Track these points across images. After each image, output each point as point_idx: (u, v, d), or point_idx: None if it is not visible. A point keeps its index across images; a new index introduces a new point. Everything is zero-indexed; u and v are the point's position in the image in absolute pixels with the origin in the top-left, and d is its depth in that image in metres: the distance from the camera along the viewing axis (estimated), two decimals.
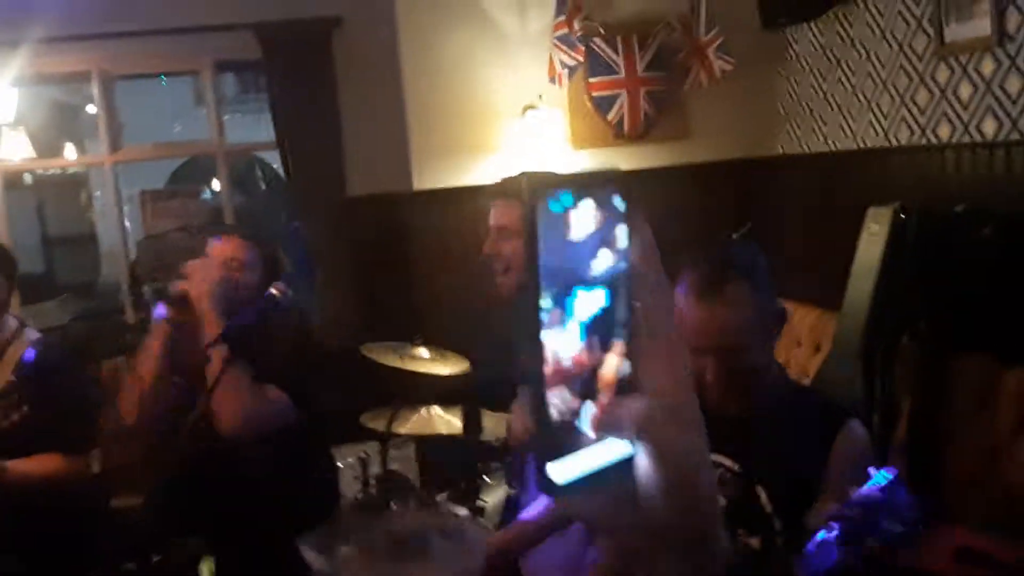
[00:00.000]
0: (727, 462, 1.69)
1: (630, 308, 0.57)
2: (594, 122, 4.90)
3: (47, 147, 8.22)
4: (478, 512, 3.26)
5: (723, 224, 4.50)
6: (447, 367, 3.95)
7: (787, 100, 4.86)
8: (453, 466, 3.58)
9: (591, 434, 0.54)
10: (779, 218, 4.70)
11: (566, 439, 0.53)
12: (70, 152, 10.32)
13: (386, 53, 4.94)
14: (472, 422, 2.82)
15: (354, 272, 4.99)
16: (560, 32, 4.70)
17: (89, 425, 2.95)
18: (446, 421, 3.66)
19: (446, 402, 3.62)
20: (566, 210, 0.54)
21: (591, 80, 4.85)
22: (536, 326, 0.52)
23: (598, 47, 4.81)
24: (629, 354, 0.56)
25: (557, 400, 0.53)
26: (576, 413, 0.54)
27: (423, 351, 4.00)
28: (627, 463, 0.56)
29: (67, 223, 12.38)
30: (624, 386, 0.56)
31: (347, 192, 5.09)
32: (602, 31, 4.80)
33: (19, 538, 2.66)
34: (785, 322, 1.79)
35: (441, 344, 4.00)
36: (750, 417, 1.70)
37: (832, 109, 4.41)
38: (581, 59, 4.76)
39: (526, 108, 4.80)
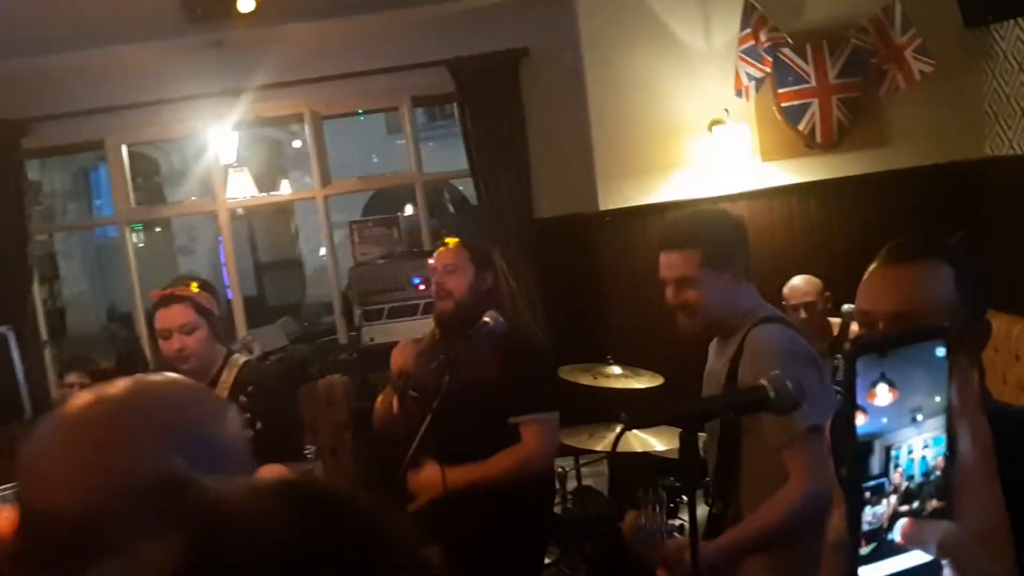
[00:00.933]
0: None
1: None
2: (784, 133, 4.82)
3: (260, 181, 8.97)
4: (677, 530, 3.30)
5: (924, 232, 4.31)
6: (640, 382, 4.03)
7: (994, 100, 4.60)
8: (640, 483, 3.62)
9: (899, 542, 0.62)
10: (987, 223, 4.44)
11: (878, 545, 0.62)
12: (283, 185, 11.18)
13: (572, 78, 5.07)
14: (688, 444, 2.84)
15: (543, 292, 5.14)
16: (746, 45, 4.67)
17: (298, 440, 3.20)
18: (641, 440, 3.74)
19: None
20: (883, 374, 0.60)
21: (780, 91, 4.78)
22: (857, 490, 0.60)
23: (786, 57, 4.74)
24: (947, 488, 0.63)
25: (870, 516, 0.61)
26: (889, 524, 0.62)
27: (615, 368, 4.10)
28: (931, 569, 0.62)
29: (276, 250, 13.42)
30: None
31: (535, 214, 5.25)
32: (790, 40, 4.72)
33: None
34: (988, 338, 1.53)
35: (630, 361, 4.08)
36: None
37: None
38: (768, 70, 4.70)
39: (712, 123, 4.79)
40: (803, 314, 3.98)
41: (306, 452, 3.31)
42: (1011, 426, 1.48)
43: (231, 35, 4.83)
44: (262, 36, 4.94)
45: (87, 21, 4.62)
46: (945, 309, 1.33)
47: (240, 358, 3.01)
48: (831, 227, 4.81)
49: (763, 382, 1.40)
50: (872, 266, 1.44)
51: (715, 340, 2.29)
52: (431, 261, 2.96)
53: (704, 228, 2.18)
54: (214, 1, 4.31)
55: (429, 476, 2.64)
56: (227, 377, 2.90)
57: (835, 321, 4.07)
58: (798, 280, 4.09)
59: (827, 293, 4.09)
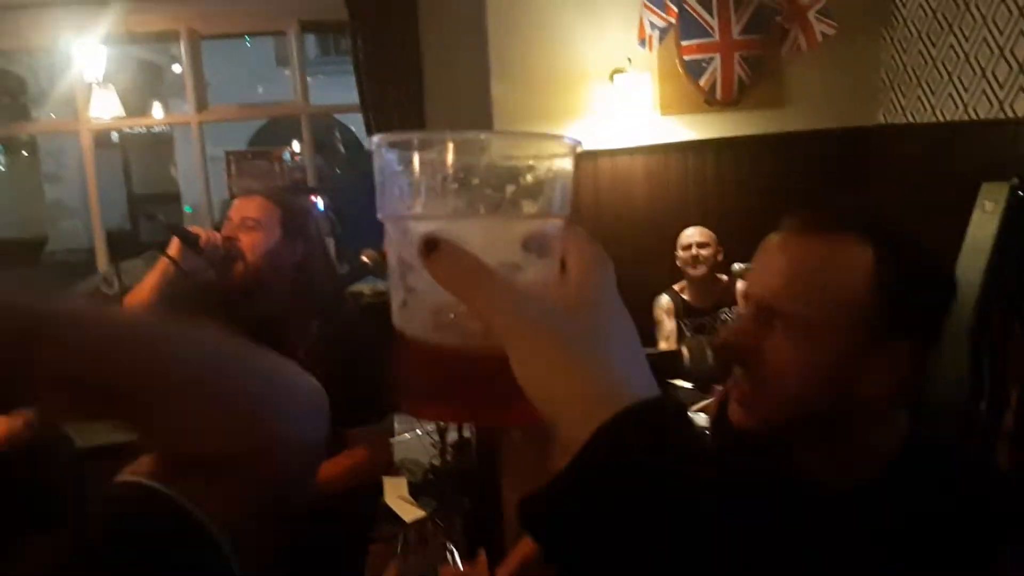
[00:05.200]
0: None
1: None
2: (685, 87, 4.73)
3: (135, 106, 8.38)
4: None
5: (814, 198, 4.32)
6: None
7: (892, 67, 4.62)
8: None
9: None
10: (879, 192, 4.49)
11: None
12: (157, 111, 10.52)
13: (472, 15, 4.84)
14: None
15: None
16: None
17: None
18: None
19: None
20: None
21: (683, 43, 4.68)
22: None
23: (691, 8, 4.63)
24: None
25: None
26: None
27: None
28: None
29: (153, 182, 12.71)
30: None
31: None
32: None
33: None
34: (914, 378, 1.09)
35: None
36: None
37: (942, 77, 4.16)
38: (673, 21, 4.58)
39: (614, 72, 4.65)
40: (697, 256, 4.10)
41: None
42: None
43: None
44: None
45: None
46: (844, 306, 1.01)
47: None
48: (725, 186, 4.78)
49: (681, 346, 1.24)
50: (771, 235, 1.15)
51: None
52: (229, 212, 2.42)
53: None
54: None
55: None
56: None
57: (723, 278, 4.10)
58: (692, 230, 4.17)
59: (719, 247, 4.13)
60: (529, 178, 0.55)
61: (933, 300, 1.09)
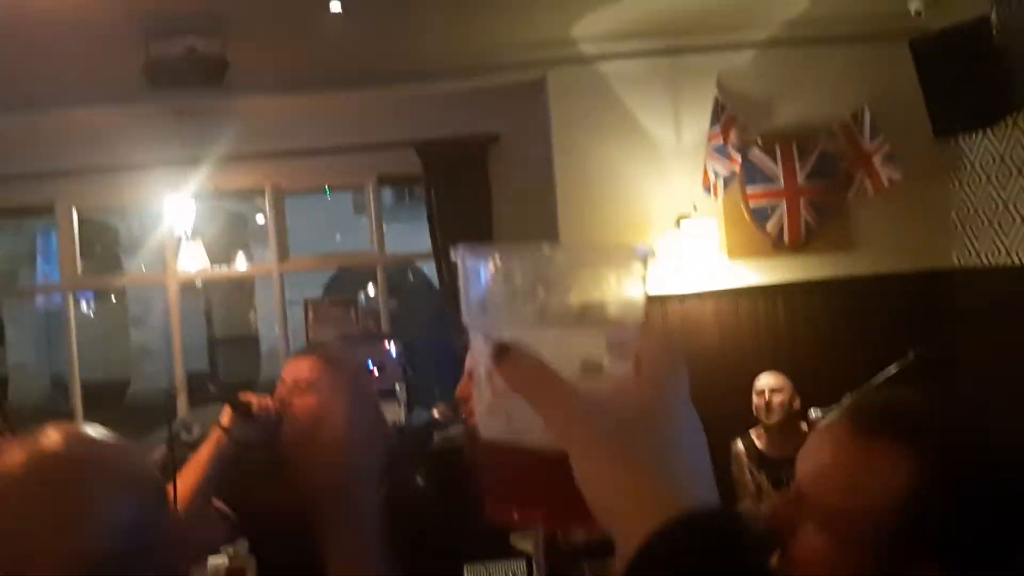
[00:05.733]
0: None
1: None
2: (752, 232, 4.77)
3: (219, 254, 8.77)
4: None
5: (890, 341, 4.22)
6: None
7: (962, 210, 4.59)
8: None
9: None
10: (955, 335, 4.38)
11: None
12: (240, 260, 10.99)
13: (541, 166, 5.01)
14: None
15: None
16: (715, 143, 4.65)
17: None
18: None
19: None
20: None
21: (748, 190, 4.75)
22: None
23: (755, 157, 4.72)
24: None
25: None
26: None
27: None
28: None
29: (232, 325, 13.17)
30: None
31: None
32: (760, 141, 4.71)
33: None
34: None
35: None
36: None
37: (1014, 220, 4.12)
38: (737, 169, 4.68)
39: (680, 218, 4.73)
40: (771, 403, 4.03)
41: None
42: None
43: (193, 104, 4.71)
44: (225, 107, 4.83)
45: (44, 82, 4.48)
46: (871, 514, 0.93)
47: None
48: (797, 329, 4.73)
49: None
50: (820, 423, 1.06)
51: None
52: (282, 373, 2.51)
53: None
54: (176, 69, 4.19)
55: None
56: None
57: (803, 425, 3.99)
58: (765, 375, 4.13)
59: (795, 393, 4.06)
60: (601, 285, 0.58)
61: (978, 523, 0.93)
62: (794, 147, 4.70)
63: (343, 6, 3.97)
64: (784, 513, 1.00)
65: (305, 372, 2.42)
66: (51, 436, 0.95)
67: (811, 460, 1.00)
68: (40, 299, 12.33)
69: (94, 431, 1.00)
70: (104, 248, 15.01)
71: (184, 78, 4.25)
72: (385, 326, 5.57)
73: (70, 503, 0.90)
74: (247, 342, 13.76)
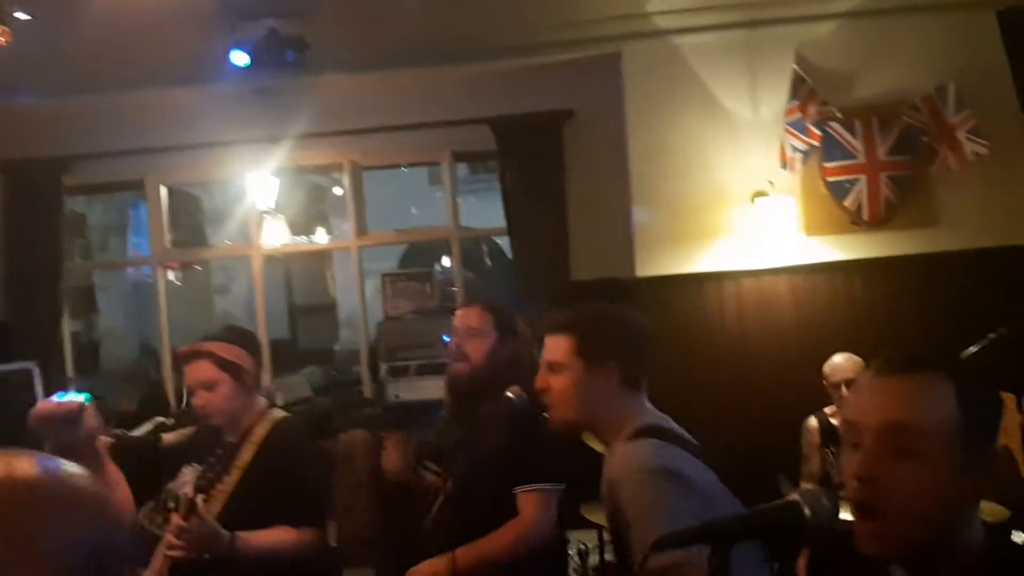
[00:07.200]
0: None
1: None
2: (829, 208, 4.70)
3: (300, 225, 9.00)
4: None
5: (972, 319, 4.13)
6: None
7: None
8: None
9: None
10: None
11: None
12: (319, 232, 11.22)
13: (615, 142, 5.01)
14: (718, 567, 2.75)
15: None
16: (793, 117, 4.59)
17: (323, 500, 3.08)
18: None
19: None
20: None
21: (826, 165, 4.67)
22: None
23: (835, 131, 4.64)
24: None
25: None
26: None
27: None
28: None
29: (312, 293, 13.48)
30: None
31: (571, 276, 5.15)
32: (839, 115, 4.62)
33: None
34: (1002, 469, 1.47)
35: None
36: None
37: None
38: (815, 143, 4.60)
39: (756, 194, 4.68)
40: (844, 390, 3.85)
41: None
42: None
43: (275, 83, 4.84)
44: (305, 85, 4.95)
45: (133, 62, 4.65)
46: (942, 428, 1.20)
47: (276, 413, 2.93)
48: (876, 307, 4.65)
49: (796, 497, 1.26)
50: (863, 375, 1.33)
51: None
52: (454, 320, 2.93)
53: (584, 319, 2.11)
54: (260, 49, 4.32)
55: (432, 571, 2.54)
56: (260, 432, 2.83)
57: None
58: (839, 358, 3.98)
59: None
60: None
61: (996, 414, 1.29)
62: (875, 121, 4.61)
63: None
64: (878, 460, 1.20)
65: (474, 320, 2.81)
66: (20, 463, 0.92)
67: (896, 404, 1.23)
68: (129, 269, 12.77)
69: (54, 462, 0.96)
70: (189, 217, 15.46)
71: (266, 58, 4.38)
72: (461, 299, 5.67)
73: (28, 532, 0.88)
74: (326, 310, 14.03)
